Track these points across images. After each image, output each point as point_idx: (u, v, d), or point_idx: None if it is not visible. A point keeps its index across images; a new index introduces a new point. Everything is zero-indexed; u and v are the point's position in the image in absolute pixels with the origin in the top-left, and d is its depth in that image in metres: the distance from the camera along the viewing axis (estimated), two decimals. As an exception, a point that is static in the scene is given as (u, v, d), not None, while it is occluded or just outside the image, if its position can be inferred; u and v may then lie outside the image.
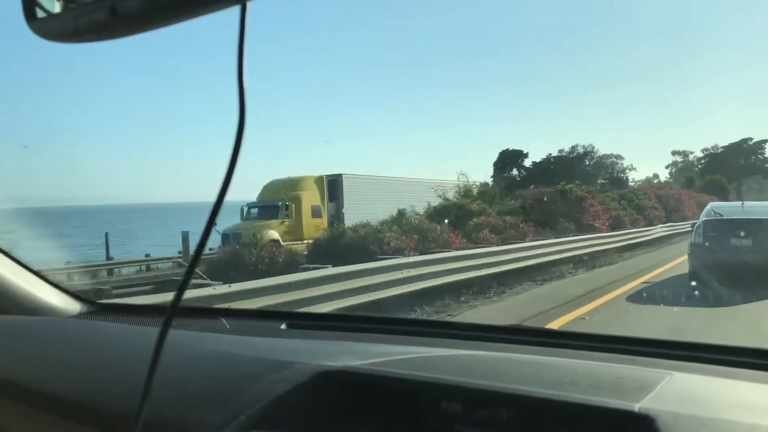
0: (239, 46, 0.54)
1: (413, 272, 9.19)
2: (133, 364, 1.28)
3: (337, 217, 21.70)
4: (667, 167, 64.05)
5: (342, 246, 13.61)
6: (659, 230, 24.00)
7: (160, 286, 11.99)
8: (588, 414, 0.93)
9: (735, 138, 60.37)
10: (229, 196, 0.59)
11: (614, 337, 1.38)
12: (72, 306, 1.79)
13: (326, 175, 22.77)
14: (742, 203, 12.99)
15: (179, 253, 20.28)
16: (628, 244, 18.90)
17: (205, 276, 7.79)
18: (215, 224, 0.59)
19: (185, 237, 19.72)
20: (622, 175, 52.68)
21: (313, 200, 21.91)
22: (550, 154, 52.68)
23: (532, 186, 32.02)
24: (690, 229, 13.04)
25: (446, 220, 16.10)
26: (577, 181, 24.51)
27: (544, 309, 8.60)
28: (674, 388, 0.99)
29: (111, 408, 1.16)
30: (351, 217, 19.75)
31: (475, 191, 23.13)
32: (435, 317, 8.18)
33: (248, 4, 0.52)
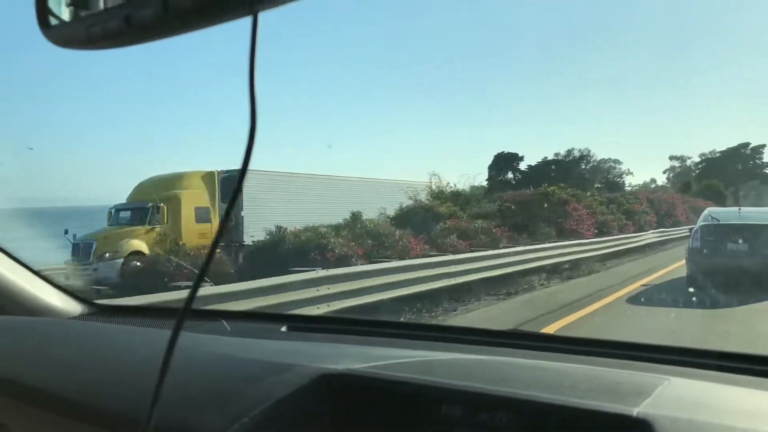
0: (251, 55, 0.54)
1: (334, 288, 7.63)
2: (134, 365, 1.29)
3: (235, 222, 17.02)
4: (664, 172, 64.25)
5: (273, 254, 11.62)
6: (650, 236, 22.93)
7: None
8: (587, 418, 0.94)
9: (733, 143, 60.60)
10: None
11: (613, 342, 1.39)
12: (73, 307, 1.80)
13: (222, 171, 17.84)
14: (739, 209, 13.14)
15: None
16: (615, 251, 17.92)
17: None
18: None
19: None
20: (618, 179, 52.72)
21: (198, 201, 17.43)
22: (546, 157, 52.91)
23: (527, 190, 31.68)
24: (686, 234, 13.09)
25: (408, 225, 14.71)
26: (562, 184, 23.01)
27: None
28: (672, 393, 1.00)
29: (113, 408, 1.17)
30: (255, 224, 16.28)
31: (447, 192, 21.24)
32: (433, 321, 8.02)
33: (259, 15, 0.53)
